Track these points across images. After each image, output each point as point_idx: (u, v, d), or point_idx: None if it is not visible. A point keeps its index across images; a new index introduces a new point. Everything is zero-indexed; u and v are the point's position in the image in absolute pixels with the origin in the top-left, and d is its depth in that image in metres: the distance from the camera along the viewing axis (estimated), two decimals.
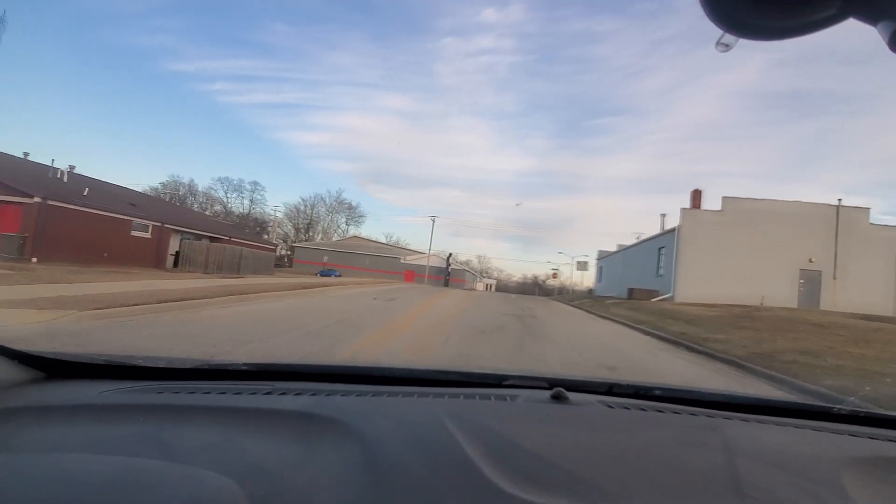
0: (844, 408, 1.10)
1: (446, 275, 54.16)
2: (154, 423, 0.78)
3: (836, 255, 20.64)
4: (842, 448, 0.85)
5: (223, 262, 22.58)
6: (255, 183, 74.32)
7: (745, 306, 16.08)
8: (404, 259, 56.37)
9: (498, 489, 0.57)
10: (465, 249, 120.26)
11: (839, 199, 20.99)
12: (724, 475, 0.67)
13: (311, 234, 72.79)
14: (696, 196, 22.87)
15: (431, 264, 54.36)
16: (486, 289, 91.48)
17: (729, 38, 0.42)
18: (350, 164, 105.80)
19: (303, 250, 58.14)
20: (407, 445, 0.70)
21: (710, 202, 22.90)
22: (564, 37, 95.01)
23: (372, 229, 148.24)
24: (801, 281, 20.69)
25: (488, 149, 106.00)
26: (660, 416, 0.97)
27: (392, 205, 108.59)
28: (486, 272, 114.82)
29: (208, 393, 0.97)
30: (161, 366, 1.10)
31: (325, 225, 77.27)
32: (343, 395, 0.96)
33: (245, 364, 1.15)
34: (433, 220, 56.25)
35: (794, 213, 20.90)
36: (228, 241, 26.29)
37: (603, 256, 39.39)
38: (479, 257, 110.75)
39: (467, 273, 71.59)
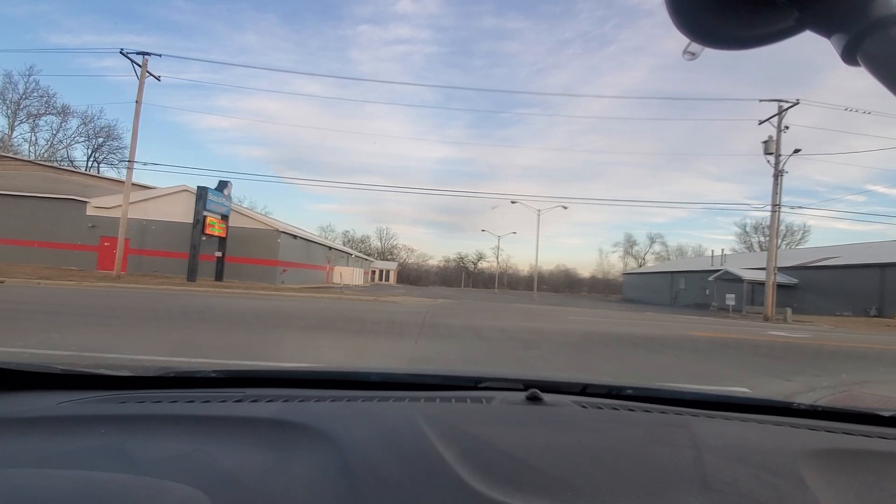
0: (803, 403, 1.14)
1: (194, 248, 20.44)
2: (117, 435, 0.75)
3: None
4: (800, 441, 0.88)
5: None
6: None
7: None
8: (97, 208, 22.15)
9: (473, 491, 0.59)
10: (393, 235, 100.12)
11: None
12: (692, 470, 0.71)
13: None
14: None
15: (152, 217, 20.61)
16: (373, 280, 58.85)
17: (695, 46, 0.44)
18: (264, 149, 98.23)
19: None
20: (382, 450, 0.71)
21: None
22: (478, 31, 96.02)
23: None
24: None
25: (408, 137, 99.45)
26: (631, 414, 0.99)
27: (308, 192, 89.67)
28: (390, 252, 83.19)
29: (175, 402, 0.94)
30: (125, 374, 1.08)
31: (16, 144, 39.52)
32: (317, 401, 0.96)
33: (214, 371, 1.14)
34: (140, 65, 21.15)
35: None
36: None
37: None
38: (378, 231, 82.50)
39: (326, 250, 37.86)
